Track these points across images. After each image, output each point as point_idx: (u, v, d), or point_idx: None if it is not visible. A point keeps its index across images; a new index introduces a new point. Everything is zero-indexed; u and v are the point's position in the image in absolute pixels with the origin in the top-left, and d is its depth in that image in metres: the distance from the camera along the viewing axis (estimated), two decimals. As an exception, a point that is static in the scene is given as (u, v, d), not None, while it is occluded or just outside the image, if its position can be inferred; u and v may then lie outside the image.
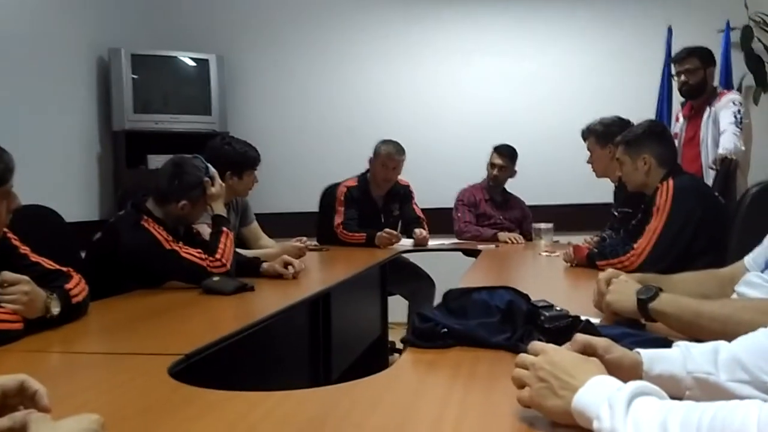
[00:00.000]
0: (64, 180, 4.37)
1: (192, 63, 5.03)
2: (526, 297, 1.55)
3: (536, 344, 1.04)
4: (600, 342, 1.06)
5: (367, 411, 1.07)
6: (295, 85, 5.48)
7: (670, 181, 2.56)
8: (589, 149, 3.40)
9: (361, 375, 1.26)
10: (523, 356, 1.01)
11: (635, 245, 2.52)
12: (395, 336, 4.18)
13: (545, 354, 0.99)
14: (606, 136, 3.26)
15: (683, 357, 1.05)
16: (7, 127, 3.81)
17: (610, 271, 1.76)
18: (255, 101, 5.46)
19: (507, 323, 1.47)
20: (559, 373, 0.94)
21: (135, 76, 4.78)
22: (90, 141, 4.73)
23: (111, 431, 0.89)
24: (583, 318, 1.41)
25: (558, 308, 1.48)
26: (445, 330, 1.45)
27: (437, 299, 4.03)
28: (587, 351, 1.04)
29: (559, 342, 1.31)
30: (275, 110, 5.47)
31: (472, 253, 4.30)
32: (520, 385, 0.99)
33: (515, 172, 4.46)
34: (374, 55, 5.45)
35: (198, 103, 5.01)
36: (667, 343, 1.25)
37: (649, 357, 1.06)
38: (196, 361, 1.45)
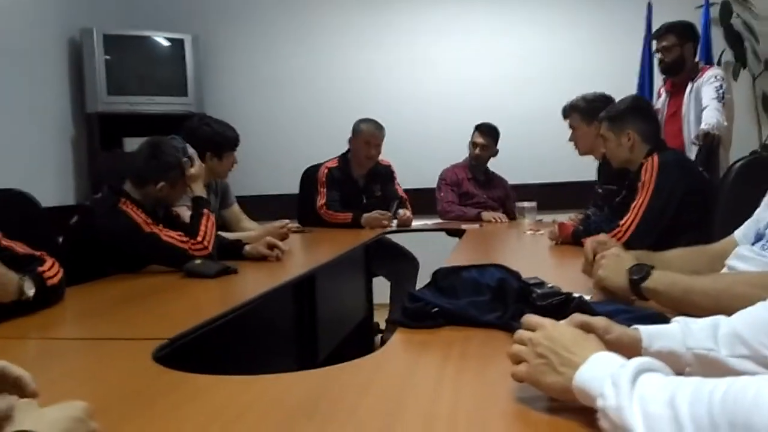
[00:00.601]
0: (37, 164, 4.27)
1: (167, 43, 4.93)
2: (516, 274, 1.52)
3: (532, 317, 1.02)
4: (599, 322, 1.03)
5: (360, 393, 1.04)
6: (272, 66, 5.39)
7: (655, 157, 2.55)
8: (571, 126, 3.37)
9: (347, 357, 1.24)
10: (520, 332, 0.99)
11: (621, 222, 2.51)
12: (380, 317, 4.17)
13: (543, 329, 0.96)
14: (591, 113, 3.23)
15: (682, 333, 1.03)
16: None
17: (600, 236, 1.74)
18: (232, 82, 5.37)
19: (498, 301, 1.44)
20: (558, 348, 0.92)
21: (108, 57, 4.67)
22: (63, 124, 4.63)
23: (95, 420, 0.85)
24: (575, 295, 1.39)
25: (550, 285, 1.46)
26: (436, 309, 1.42)
27: (421, 279, 4.07)
28: (586, 330, 1.02)
29: (554, 319, 1.30)
30: (253, 91, 5.38)
31: (456, 232, 4.29)
32: (517, 360, 0.96)
33: (497, 151, 4.44)
34: (353, 33, 5.37)
35: (174, 84, 4.91)
36: (662, 319, 1.23)
37: (648, 333, 1.04)
38: (180, 346, 1.41)
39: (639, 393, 0.77)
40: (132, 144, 4.51)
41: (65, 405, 0.75)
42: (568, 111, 3.38)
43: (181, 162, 2.41)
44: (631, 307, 1.37)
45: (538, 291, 1.42)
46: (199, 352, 1.54)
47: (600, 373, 0.84)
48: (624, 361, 0.84)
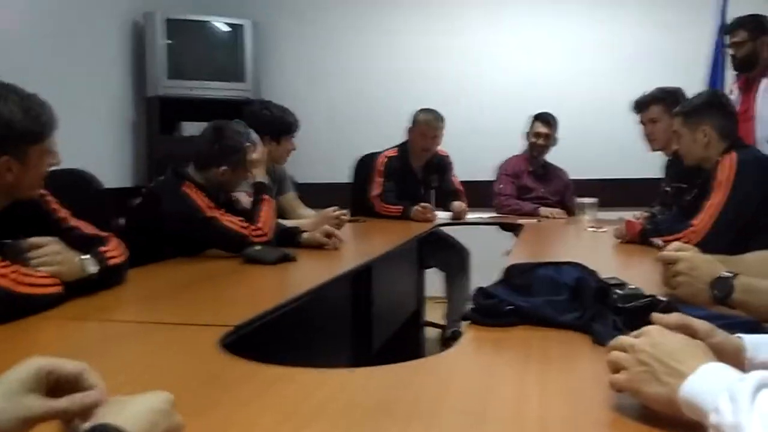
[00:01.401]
0: (98, 146, 4.32)
1: (227, 28, 4.93)
2: (594, 274, 1.45)
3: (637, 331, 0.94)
4: (701, 325, 0.96)
5: (440, 392, 0.99)
6: (330, 53, 5.36)
7: (733, 155, 2.42)
8: (649, 120, 3.21)
9: (398, 350, 1.19)
10: (621, 338, 0.92)
11: (694, 221, 2.39)
12: (430, 311, 4.12)
13: (647, 335, 0.89)
14: (675, 104, 3.07)
15: None
16: (41, 92, 3.76)
17: (675, 245, 1.64)
18: (289, 69, 5.36)
19: (576, 301, 1.37)
20: (662, 356, 0.85)
21: (169, 41, 4.70)
22: (123, 107, 4.68)
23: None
24: (661, 298, 1.31)
25: (631, 286, 1.38)
26: (510, 307, 1.36)
27: (473, 271, 3.98)
28: (686, 333, 0.95)
29: (635, 324, 1.22)
30: (310, 78, 5.36)
31: (510, 227, 4.20)
32: (616, 368, 0.90)
33: (557, 139, 4.33)
34: (411, 22, 5.30)
35: (232, 69, 4.91)
36: (759, 327, 1.15)
37: (753, 343, 0.97)
38: (243, 334, 1.39)
39: (761, 410, 0.71)
40: (189, 128, 4.54)
41: (148, 396, 0.72)
42: (648, 102, 3.23)
43: (243, 146, 2.39)
44: (723, 312, 1.29)
45: (620, 292, 1.35)
46: (260, 340, 1.51)
47: (713, 386, 0.77)
48: (742, 374, 0.77)
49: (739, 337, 0.97)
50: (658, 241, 2.39)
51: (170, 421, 0.70)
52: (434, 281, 4.15)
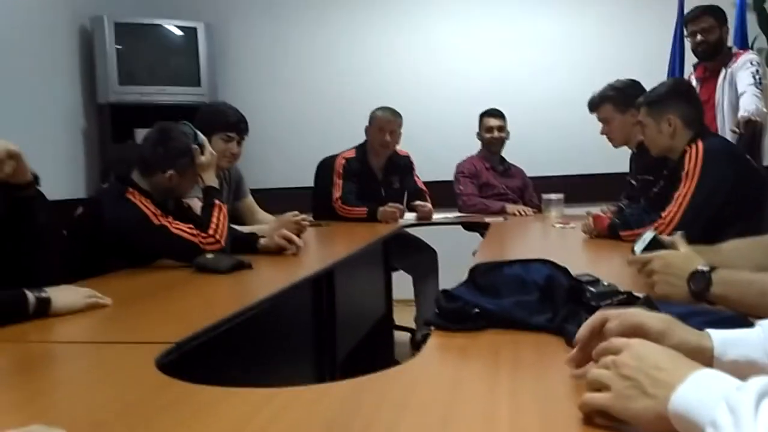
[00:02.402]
0: (47, 156, 4.10)
1: (179, 32, 4.78)
2: (565, 271, 1.35)
3: (617, 340, 0.86)
4: (654, 325, 0.88)
5: (399, 406, 0.88)
6: (287, 55, 5.23)
7: (699, 144, 2.36)
8: (604, 119, 3.16)
9: (367, 357, 1.08)
10: (604, 357, 0.83)
11: (663, 213, 2.33)
12: (399, 314, 4.02)
13: (629, 349, 0.80)
14: (624, 100, 3.04)
15: (766, 339, 0.87)
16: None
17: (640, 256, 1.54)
18: (246, 72, 5.22)
19: (547, 301, 1.28)
20: (647, 368, 0.76)
21: (119, 47, 4.53)
22: (73, 115, 4.49)
23: None
24: (638, 295, 1.22)
25: (605, 283, 1.30)
26: (477, 310, 1.26)
27: (441, 272, 3.89)
28: (638, 335, 0.86)
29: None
30: (267, 81, 5.22)
31: (475, 227, 4.13)
32: (596, 388, 0.80)
33: (509, 132, 4.29)
34: (369, 23, 5.20)
35: (186, 74, 4.76)
36: (745, 322, 1.06)
37: (723, 340, 0.89)
38: (188, 350, 1.26)
39: (766, 424, 0.61)
40: (143, 135, 4.35)
41: (37, 429, 0.60)
42: (598, 103, 3.17)
43: (190, 149, 2.25)
44: (707, 308, 1.20)
45: (593, 290, 1.26)
46: (209, 354, 1.39)
47: (707, 396, 0.67)
48: (739, 382, 0.67)
49: (707, 334, 0.89)
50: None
51: None
52: (404, 284, 4.05)
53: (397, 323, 4.00)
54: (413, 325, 3.98)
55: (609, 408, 0.77)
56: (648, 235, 1.65)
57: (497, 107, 4.34)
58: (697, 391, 0.69)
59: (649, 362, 0.76)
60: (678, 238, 1.57)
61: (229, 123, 2.88)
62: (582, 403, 0.80)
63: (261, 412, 0.88)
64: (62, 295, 1.52)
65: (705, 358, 0.86)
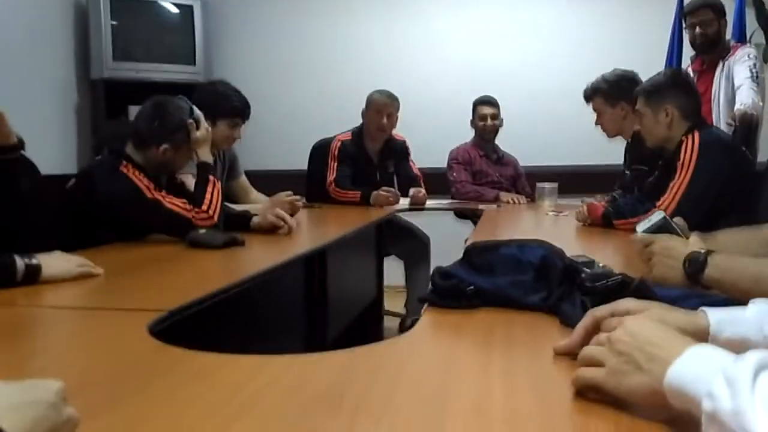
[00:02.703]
0: (40, 131, 4.07)
1: (175, 9, 4.73)
2: (560, 252, 1.35)
3: (612, 318, 0.87)
4: (640, 308, 0.88)
5: (393, 379, 0.87)
6: (284, 36, 5.19)
7: (696, 135, 2.37)
8: (596, 110, 3.18)
9: (356, 339, 1.08)
10: (599, 335, 0.84)
11: (658, 203, 2.33)
12: (389, 300, 4.02)
13: (623, 326, 0.80)
14: (615, 94, 3.06)
15: (760, 317, 0.87)
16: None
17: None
18: (242, 50, 5.18)
19: (542, 281, 1.27)
20: (642, 343, 0.75)
21: (114, 22, 4.48)
22: (67, 90, 4.45)
23: (81, 398, 0.71)
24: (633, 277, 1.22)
25: (601, 265, 1.30)
26: (471, 288, 1.25)
27: (433, 260, 3.90)
28: None
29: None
30: (263, 62, 5.19)
31: (467, 214, 4.13)
32: (589, 363, 0.80)
33: (503, 120, 4.28)
34: (368, 7, 5.17)
35: (182, 51, 4.71)
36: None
37: (718, 319, 0.89)
38: (180, 320, 1.25)
39: (763, 394, 0.61)
40: (137, 112, 4.32)
41: (33, 386, 0.59)
42: (590, 94, 3.18)
43: (186, 123, 2.23)
44: (702, 291, 1.20)
45: (588, 271, 1.25)
46: (200, 327, 1.38)
47: (704, 370, 0.67)
48: (735, 356, 0.67)
49: (702, 312, 0.89)
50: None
51: (58, 416, 0.57)
52: (395, 270, 4.05)
53: (387, 309, 4.01)
54: (403, 312, 3.98)
55: (602, 383, 0.77)
56: (656, 216, 1.61)
57: (499, 97, 4.34)
58: (694, 364, 0.69)
59: (644, 338, 0.76)
60: (682, 222, 1.57)
61: (236, 109, 2.88)
62: (575, 378, 0.80)
63: (256, 377, 0.88)
64: (54, 263, 1.50)
65: (700, 337, 0.86)
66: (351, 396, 0.81)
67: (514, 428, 0.72)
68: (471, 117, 4.34)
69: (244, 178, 3.28)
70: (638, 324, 0.80)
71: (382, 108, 3.79)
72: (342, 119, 4.15)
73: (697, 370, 0.68)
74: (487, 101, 4.29)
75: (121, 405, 0.79)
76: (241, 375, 0.90)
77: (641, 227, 1.55)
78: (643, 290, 1.15)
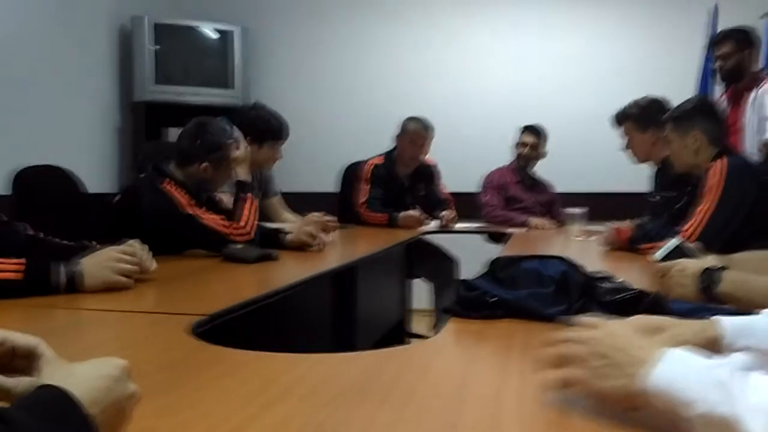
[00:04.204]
0: (83, 150, 4.27)
1: (215, 34, 4.91)
2: (580, 268, 1.41)
3: (588, 318, 0.87)
4: (663, 323, 0.91)
5: (417, 376, 0.94)
6: (319, 61, 5.34)
7: (724, 160, 2.40)
8: (626, 135, 3.22)
9: None
10: (575, 331, 0.84)
11: (684, 227, 2.36)
12: (415, 322, 4.06)
13: (604, 327, 0.82)
14: (645, 119, 3.10)
15: None
16: (28, 95, 3.72)
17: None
18: (278, 75, 5.33)
19: (561, 294, 1.33)
20: (623, 345, 0.77)
21: (157, 47, 4.66)
22: (110, 111, 4.63)
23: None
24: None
25: (618, 280, 1.35)
26: (494, 299, 1.31)
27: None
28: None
29: (625, 317, 1.18)
30: (299, 85, 5.33)
31: (498, 237, 4.16)
32: (565, 363, 0.81)
33: (546, 152, 4.31)
34: (402, 32, 5.29)
35: (220, 75, 4.88)
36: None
37: (733, 328, 0.91)
38: (218, 324, 1.33)
39: (757, 397, 0.65)
40: (175, 134, 4.44)
41: (100, 361, 0.66)
42: (621, 119, 3.23)
43: (225, 143, 2.34)
44: (715, 305, 1.25)
45: (606, 286, 1.31)
46: (237, 332, 1.46)
47: (690, 372, 0.70)
48: (714, 359, 0.71)
49: (716, 321, 0.91)
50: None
51: (123, 389, 0.65)
52: (422, 293, 4.09)
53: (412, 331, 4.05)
54: (428, 335, 4.01)
55: (580, 383, 0.78)
56: (672, 243, 1.67)
57: (530, 122, 4.34)
58: (678, 367, 0.71)
59: (624, 341, 0.78)
60: (697, 245, 1.61)
61: (277, 131, 3.05)
62: (557, 379, 0.80)
63: (289, 372, 0.95)
64: (94, 272, 1.56)
65: (714, 346, 0.87)
66: (377, 388, 0.87)
67: (526, 418, 0.78)
68: (504, 141, 4.36)
69: (278, 198, 3.39)
70: (619, 326, 0.83)
71: (417, 138, 3.87)
72: (374, 143, 4.24)
73: (684, 372, 0.70)
74: (531, 129, 4.29)
75: (167, 393, 0.86)
76: (274, 370, 0.97)
77: (659, 255, 1.60)
78: (658, 303, 1.20)
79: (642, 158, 3.21)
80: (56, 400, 0.58)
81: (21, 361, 0.70)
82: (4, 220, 1.76)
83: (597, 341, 0.79)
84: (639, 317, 0.94)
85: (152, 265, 1.70)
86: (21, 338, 0.71)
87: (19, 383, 0.66)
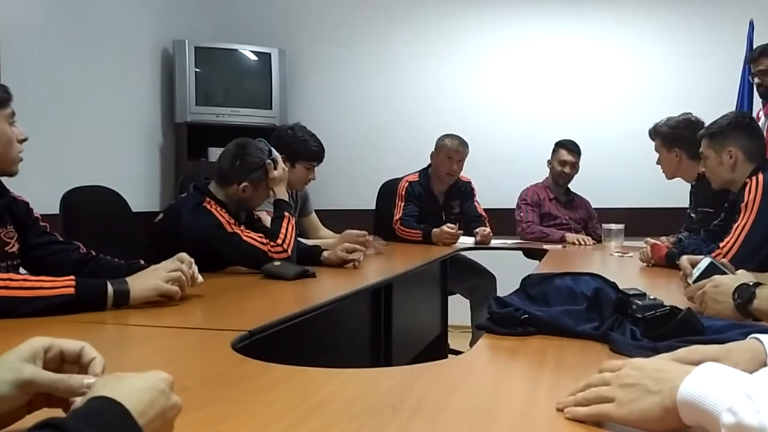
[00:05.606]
0: (128, 170, 4.39)
1: (254, 57, 5.02)
2: (613, 285, 1.42)
3: (613, 362, 0.87)
4: (707, 352, 0.89)
5: (449, 391, 0.97)
6: (356, 81, 5.42)
7: (760, 176, 2.38)
8: (656, 151, 3.22)
9: None
10: (601, 374, 0.84)
11: (721, 244, 2.35)
12: (453, 339, 4.07)
13: (629, 363, 0.83)
14: (671, 139, 3.11)
15: None
16: (74, 116, 3.85)
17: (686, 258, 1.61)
18: (316, 96, 5.42)
19: (594, 311, 1.35)
20: (650, 372, 0.78)
21: (198, 69, 4.79)
22: (153, 132, 4.76)
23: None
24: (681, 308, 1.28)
25: (651, 297, 1.36)
26: (526, 316, 1.34)
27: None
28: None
29: (657, 334, 1.19)
30: (336, 105, 5.41)
31: (534, 254, 4.15)
32: (591, 401, 0.81)
33: (579, 167, 4.31)
34: (436, 52, 5.34)
35: (259, 97, 4.99)
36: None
37: None
38: (258, 340, 1.38)
39: None
40: (216, 154, 4.56)
41: (147, 375, 0.71)
42: (653, 134, 3.24)
43: (264, 163, 2.41)
44: (748, 322, 1.25)
45: (639, 302, 1.32)
46: (276, 347, 1.50)
47: (719, 384, 0.70)
48: (743, 372, 0.72)
49: (756, 340, 0.92)
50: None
51: (167, 401, 0.70)
52: (459, 309, 4.10)
53: (451, 347, 4.05)
54: (467, 350, 4.01)
55: (612, 415, 0.78)
56: (704, 263, 1.68)
57: (567, 137, 4.36)
58: (707, 380, 0.72)
59: (650, 368, 0.79)
60: (729, 263, 1.61)
61: (313, 153, 3.10)
62: (584, 414, 0.80)
63: (325, 386, 0.99)
64: (140, 284, 1.63)
65: (755, 360, 0.87)
66: (410, 401, 0.91)
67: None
68: (544, 157, 4.36)
69: (314, 216, 3.45)
70: (644, 361, 0.83)
71: (453, 154, 3.91)
72: (411, 160, 4.29)
73: (711, 384, 0.71)
74: (571, 147, 4.28)
75: (209, 405, 0.91)
76: (310, 384, 1.01)
77: (692, 277, 1.61)
78: (690, 320, 1.21)
79: (670, 175, 3.22)
80: (111, 411, 0.63)
81: (70, 366, 0.76)
82: (59, 240, 1.85)
83: (626, 375, 0.80)
84: (685, 350, 0.91)
85: (199, 278, 1.76)
86: (67, 342, 0.76)
87: (70, 378, 0.73)
